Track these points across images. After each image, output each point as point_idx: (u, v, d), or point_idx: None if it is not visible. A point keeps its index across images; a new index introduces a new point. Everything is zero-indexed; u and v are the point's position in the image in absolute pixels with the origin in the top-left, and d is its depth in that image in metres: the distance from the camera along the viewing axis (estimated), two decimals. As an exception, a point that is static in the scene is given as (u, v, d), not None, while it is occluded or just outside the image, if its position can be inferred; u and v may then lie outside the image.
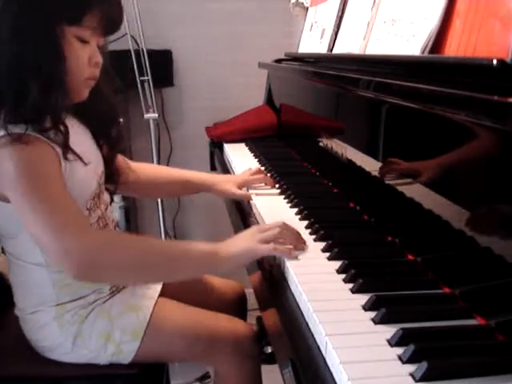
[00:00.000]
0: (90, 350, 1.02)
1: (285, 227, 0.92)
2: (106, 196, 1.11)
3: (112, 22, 0.98)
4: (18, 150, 0.89)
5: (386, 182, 0.97)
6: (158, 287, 1.16)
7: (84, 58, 0.96)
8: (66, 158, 0.94)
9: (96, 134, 1.09)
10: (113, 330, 1.03)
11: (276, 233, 0.90)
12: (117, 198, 1.97)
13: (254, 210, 1.15)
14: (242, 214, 1.20)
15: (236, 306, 1.31)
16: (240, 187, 1.28)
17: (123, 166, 1.22)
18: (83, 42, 0.95)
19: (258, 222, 1.09)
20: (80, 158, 0.97)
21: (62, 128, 0.94)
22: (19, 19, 0.90)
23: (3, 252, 1.14)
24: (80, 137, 1.01)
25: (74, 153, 0.95)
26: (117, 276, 0.96)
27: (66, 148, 0.94)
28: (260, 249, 0.89)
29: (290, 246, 0.89)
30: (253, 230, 0.95)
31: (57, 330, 1.02)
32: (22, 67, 0.90)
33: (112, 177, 1.14)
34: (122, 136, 1.15)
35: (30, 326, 1.05)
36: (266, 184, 1.30)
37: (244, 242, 0.91)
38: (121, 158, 1.20)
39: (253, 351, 1.09)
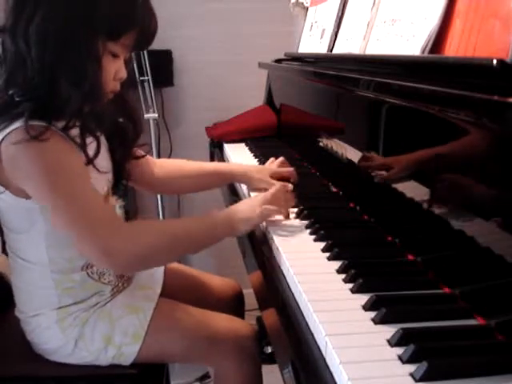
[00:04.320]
0: (91, 352, 1.02)
1: (284, 199, 1.06)
2: (112, 200, 1.11)
3: (146, 41, 1.00)
4: (38, 145, 0.88)
5: (386, 182, 0.97)
6: (158, 288, 1.16)
7: (112, 72, 0.97)
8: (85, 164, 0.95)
9: (112, 141, 1.08)
10: (114, 333, 1.02)
11: (277, 207, 1.03)
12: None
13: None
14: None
15: (234, 305, 1.31)
16: (272, 178, 1.26)
17: (145, 166, 1.22)
18: (114, 56, 0.96)
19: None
20: (96, 169, 0.97)
21: (87, 136, 0.95)
22: (64, 28, 0.90)
23: (3, 252, 1.14)
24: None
25: (93, 164, 0.96)
26: (157, 260, 1.02)
27: (87, 155, 0.94)
28: (259, 219, 1.02)
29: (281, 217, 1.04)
30: (259, 199, 1.04)
31: (59, 333, 1.02)
32: (62, 72, 0.90)
33: (121, 182, 1.14)
34: (137, 143, 1.14)
35: (32, 328, 1.05)
36: (292, 178, 1.28)
37: (249, 213, 1.01)
38: (143, 159, 1.21)
39: (253, 351, 1.09)
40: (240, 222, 1.00)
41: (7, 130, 0.90)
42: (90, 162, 0.95)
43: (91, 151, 0.96)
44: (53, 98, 0.91)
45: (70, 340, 1.02)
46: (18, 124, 0.89)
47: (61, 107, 0.92)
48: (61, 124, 0.92)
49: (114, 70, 0.97)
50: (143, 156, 1.19)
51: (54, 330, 1.02)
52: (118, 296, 1.08)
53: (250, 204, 1.04)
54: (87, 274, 1.04)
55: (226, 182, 1.38)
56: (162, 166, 1.30)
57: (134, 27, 0.95)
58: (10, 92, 0.93)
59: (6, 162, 0.91)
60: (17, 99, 0.92)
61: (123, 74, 0.99)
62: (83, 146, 0.94)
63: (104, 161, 1.04)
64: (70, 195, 0.91)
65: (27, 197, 0.95)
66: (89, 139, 0.96)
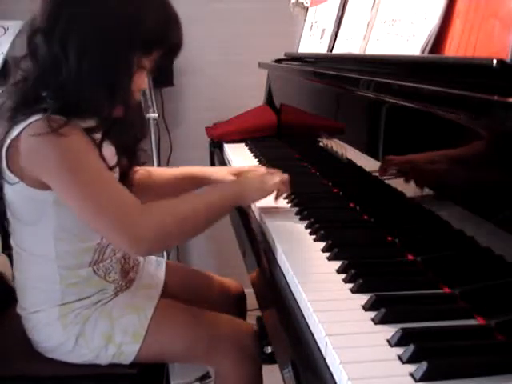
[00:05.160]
0: (91, 350, 1.03)
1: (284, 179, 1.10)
2: None
3: (171, 56, 1.04)
4: (58, 139, 0.90)
5: (386, 182, 0.97)
6: (159, 288, 1.16)
7: (138, 83, 1.00)
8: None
9: (119, 147, 1.09)
10: (114, 332, 1.03)
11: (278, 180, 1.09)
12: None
13: (254, 209, 1.15)
14: (241, 214, 1.20)
15: (236, 304, 1.31)
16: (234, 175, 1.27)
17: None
18: (143, 68, 0.99)
19: (257, 221, 1.09)
20: (110, 167, 0.99)
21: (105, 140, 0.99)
22: (104, 40, 0.93)
23: (3, 252, 1.14)
24: (108, 149, 1.03)
25: (105, 160, 0.98)
26: (180, 238, 1.08)
27: (103, 159, 0.97)
28: (269, 189, 1.07)
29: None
30: (261, 173, 1.13)
31: (60, 329, 1.02)
32: (96, 81, 0.93)
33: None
34: (143, 151, 1.16)
35: (33, 324, 1.05)
36: None
37: (260, 183, 1.08)
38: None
39: (254, 351, 1.09)
40: (253, 192, 1.06)
41: (27, 122, 0.91)
42: (110, 169, 0.98)
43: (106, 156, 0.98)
44: (82, 103, 0.94)
45: (71, 337, 1.02)
46: (38, 116, 0.91)
47: (87, 110, 0.95)
48: (83, 123, 0.95)
49: (139, 82, 1.01)
50: (144, 163, 1.20)
51: (55, 327, 1.02)
52: (119, 295, 1.09)
53: (259, 175, 1.11)
54: (93, 270, 1.05)
55: (195, 186, 1.36)
56: (152, 173, 1.30)
57: (166, 43, 0.99)
58: (41, 93, 0.95)
59: (24, 154, 0.92)
60: (49, 101, 0.94)
61: (145, 85, 1.04)
62: (99, 148, 0.96)
63: (113, 158, 1.04)
64: (95, 186, 0.92)
65: (42, 188, 0.95)
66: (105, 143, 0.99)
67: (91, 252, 1.04)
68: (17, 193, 0.98)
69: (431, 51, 0.89)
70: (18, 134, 0.92)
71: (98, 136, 0.97)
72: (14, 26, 1.94)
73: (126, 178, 1.11)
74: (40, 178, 0.93)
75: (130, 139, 1.08)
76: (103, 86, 0.93)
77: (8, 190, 0.98)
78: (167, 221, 0.96)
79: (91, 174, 0.93)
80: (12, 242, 1.07)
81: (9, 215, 1.04)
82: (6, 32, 1.93)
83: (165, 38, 0.99)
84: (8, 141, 0.94)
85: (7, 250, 1.33)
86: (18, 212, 1.01)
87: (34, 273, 1.04)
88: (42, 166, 0.92)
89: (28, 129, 0.91)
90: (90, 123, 0.96)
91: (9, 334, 1.10)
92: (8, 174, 0.96)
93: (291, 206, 1.13)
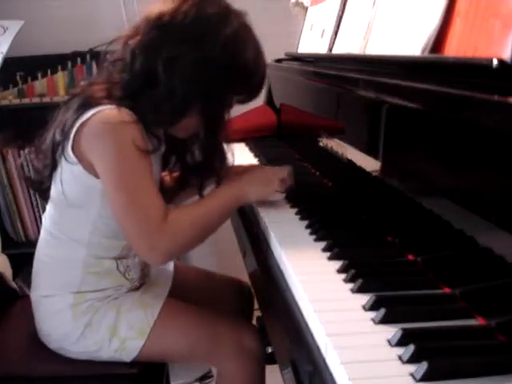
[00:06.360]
0: (95, 341, 1.04)
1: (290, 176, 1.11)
2: None
3: (259, 89, 1.10)
4: (123, 133, 0.94)
5: (386, 181, 0.97)
6: (168, 286, 1.17)
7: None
8: None
9: (185, 170, 1.15)
10: (119, 325, 1.04)
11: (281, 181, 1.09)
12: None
13: (253, 209, 1.15)
14: (241, 214, 1.20)
15: (242, 304, 1.31)
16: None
17: None
18: (230, 105, 1.05)
19: (257, 221, 1.09)
20: None
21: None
22: (215, 74, 0.98)
23: (3, 252, 1.15)
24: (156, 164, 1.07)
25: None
26: (190, 247, 1.08)
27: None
28: (270, 194, 1.08)
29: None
30: (268, 174, 1.11)
31: (69, 318, 1.03)
32: (197, 110, 1.00)
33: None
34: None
35: (42, 310, 1.06)
36: None
37: (258, 184, 1.08)
38: None
39: (256, 352, 1.09)
40: (255, 191, 1.06)
41: (99, 108, 0.95)
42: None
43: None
44: (164, 119, 1.00)
45: (79, 327, 1.03)
46: (111, 106, 0.95)
47: (161, 125, 1.02)
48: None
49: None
50: None
51: (65, 315, 1.04)
52: (130, 292, 1.10)
53: (267, 173, 1.12)
54: (116, 264, 1.07)
55: None
56: None
57: (255, 81, 1.06)
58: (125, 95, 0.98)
59: (86, 137, 0.96)
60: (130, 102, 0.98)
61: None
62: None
63: (157, 174, 1.08)
64: (132, 184, 0.95)
65: (95, 175, 0.98)
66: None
67: (120, 248, 1.07)
68: (72, 173, 1.00)
69: (431, 51, 0.89)
70: (88, 118, 0.95)
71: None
72: (14, 25, 1.94)
73: (173, 191, 1.17)
74: (93, 162, 0.96)
75: (205, 166, 1.12)
76: (198, 116, 1.01)
77: (65, 167, 1.00)
78: (182, 236, 0.99)
79: (135, 172, 0.96)
80: (46, 222, 1.09)
81: (53, 193, 1.06)
82: (5, 32, 1.93)
83: (254, 77, 1.04)
84: (78, 123, 0.96)
85: (7, 249, 1.34)
86: (68, 192, 1.02)
87: (60, 255, 1.06)
88: (97, 150, 0.96)
89: (99, 114, 0.95)
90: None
91: (9, 333, 1.10)
92: (70, 154, 0.98)
93: (291, 207, 1.13)
